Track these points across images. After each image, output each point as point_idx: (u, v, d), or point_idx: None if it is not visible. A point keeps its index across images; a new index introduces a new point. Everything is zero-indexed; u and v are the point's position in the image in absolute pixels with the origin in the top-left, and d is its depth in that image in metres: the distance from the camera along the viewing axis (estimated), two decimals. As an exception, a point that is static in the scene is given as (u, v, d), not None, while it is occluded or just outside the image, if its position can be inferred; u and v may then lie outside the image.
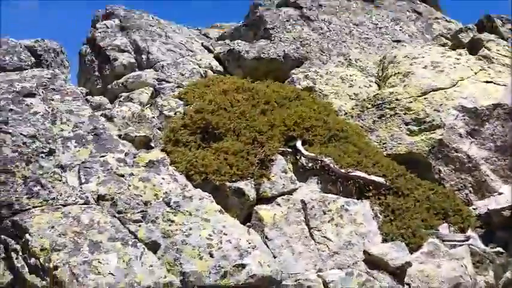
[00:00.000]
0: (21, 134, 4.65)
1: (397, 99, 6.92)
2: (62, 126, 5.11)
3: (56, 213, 4.09)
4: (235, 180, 5.24)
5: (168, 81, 7.95)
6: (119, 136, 5.62)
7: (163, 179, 4.86)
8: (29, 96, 5.23)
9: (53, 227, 3.93)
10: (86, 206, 4.26)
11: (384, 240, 4.84)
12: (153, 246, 4.12)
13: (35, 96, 5.29)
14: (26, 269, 3.78)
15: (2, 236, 3.99)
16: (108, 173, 4.66)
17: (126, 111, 6.78)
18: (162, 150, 5.62)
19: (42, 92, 5.49)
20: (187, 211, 4.53)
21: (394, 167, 5.87)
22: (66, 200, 4.25)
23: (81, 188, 4.43)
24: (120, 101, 7.69)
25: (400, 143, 6.54)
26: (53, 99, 5.47)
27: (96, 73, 8.96)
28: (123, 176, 4.70)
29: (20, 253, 3.88)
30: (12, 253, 3.88)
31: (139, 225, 4.26)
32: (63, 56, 8.24)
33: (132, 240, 4.07)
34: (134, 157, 5.03)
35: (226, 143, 5.68)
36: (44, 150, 4.63)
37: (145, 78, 8.05)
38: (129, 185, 4.61)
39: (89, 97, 7.40)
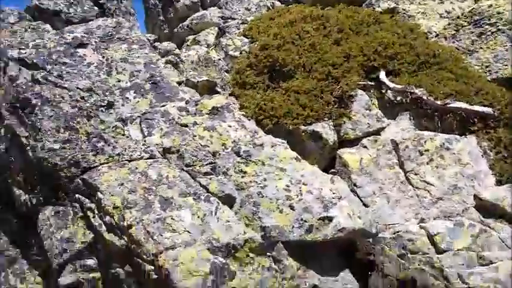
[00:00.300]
0: (77, 87, 4.56)
1: (498, 13, 6.00)
2: (118, 76, 4.95)
3: (123, 169, 4.01)
4: (310, 123, 4.87)
5: (233, 18, 7.58)
6: (179, 83, 5.39)
7: (229, 126, 4.59)
8: (80, 46, 5.09)
9: (122, 184, 3.86)
10: (152, 160, 4.14)
11: (498, 182, 4.24)
12: (228, 200, 3.95)
13: (87, 47, 5.14)
14: (104, 228, 3.79)
15: (76, 195, 4.01)
16: (171, 124, 4.47)
17: (193, 55, 6.61)
18: (230, 94, 5.35)
19: (95, 41, 5.32)
20: (259, 160, 4.26)
21: (502, 93, 5.09)
22: (131, 155, 4.14)
23: (144, 141, 4.30)
24: (187, 45, 7.55)
25: (507, 65, 5.68)
26: (107, 49, 5.29)
27: (161, 17, 8.82)
28: (186, 126, 4.49)
29: (96, 211, 3.88)
30: (88, 212, 3.91)
31: (210, 178, 4.09)
32: (126, 2, 8.12)
33: (204, 194, 3.92)
34: (196, 104, 4.78)
35: (296, 81, 5.25)
36: (103, 104, 4.52)
37: (210, 18, 7.76)
38: (194, 136, 4.39)
39: (157, 44, 7.28)
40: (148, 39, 6.20)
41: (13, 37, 5.57)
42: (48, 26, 6.17)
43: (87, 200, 3.94)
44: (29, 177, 4.27)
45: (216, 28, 7.40)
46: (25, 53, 4.85)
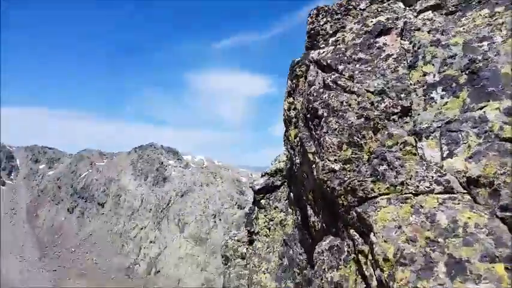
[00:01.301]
0: (367, 91, 4.12)
1: None
2: (424, 68, 4.15)
3: (404, 206, 3.33)
4: None
5: None
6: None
7: None
8: (381, 34, 4.57)
9: (399, 228, 3.22)
10: (446, 196, 3.24)
11: None
12: None
13: (390, 33, 4.56)
14: (374, 282, 3.30)
15: (351, 231, 3.69)
16: (486, 139, 3.34)
17: None
18: None
19: (404, 21, 4.68)
20: None
21: None
22: (417, 185, 3.38)
23: (441, 165, 3.40)
24: None
25: None
26: (418, 30, 4.56)
27: None
28: (511, 141, 3.24)
29: (369, 257, 3.43)
30: (359, 256, 3.52)
31: (543, 234, 2.80)
32: None
33: (528, 260, 2.73)
34: (537, 103, 3.37)
35: None
36: (395, 110, 3.90)
37: None
38: (522, 158, 3.11)
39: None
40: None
41: (359, 25, 5.60)
42: (399, 4, 5.92)
43: (360, 239, 3.53)
44: (316, 198, 4.27)
45: None
46: (323, 52, 4.83)
